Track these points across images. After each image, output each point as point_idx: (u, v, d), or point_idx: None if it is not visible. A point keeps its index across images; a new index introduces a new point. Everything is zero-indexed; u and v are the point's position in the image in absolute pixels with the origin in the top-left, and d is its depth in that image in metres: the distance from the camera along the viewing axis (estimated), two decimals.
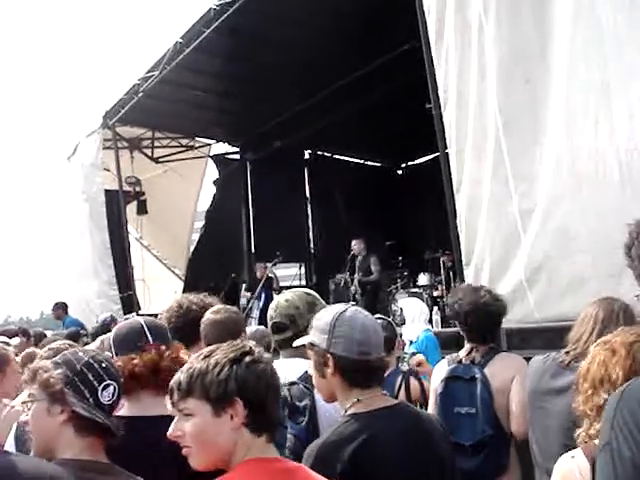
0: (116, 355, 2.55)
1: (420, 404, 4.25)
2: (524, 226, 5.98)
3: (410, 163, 18.79)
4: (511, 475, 3.67)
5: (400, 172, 19.29)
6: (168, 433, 1.93)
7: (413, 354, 5.26)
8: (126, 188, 14.96)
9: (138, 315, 12.79)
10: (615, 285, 4.41)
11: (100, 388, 2.14)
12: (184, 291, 13.41)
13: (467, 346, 3.89)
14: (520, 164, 6.06)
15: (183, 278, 17.03)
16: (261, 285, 12.21)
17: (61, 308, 11.87)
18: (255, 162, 16.68)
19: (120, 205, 14.38)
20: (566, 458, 2.17)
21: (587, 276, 5.35)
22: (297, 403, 2.70)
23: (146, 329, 2.64)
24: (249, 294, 13.27)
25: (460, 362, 3.85)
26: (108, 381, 2.17)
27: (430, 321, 7.27)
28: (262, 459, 1.89)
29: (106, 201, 14.11)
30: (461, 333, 3.96)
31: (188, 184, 16.75)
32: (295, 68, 11.72)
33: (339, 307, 2.39)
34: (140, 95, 12.71)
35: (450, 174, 6.75)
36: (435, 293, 11.98)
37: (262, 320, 10.68)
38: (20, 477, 1.77)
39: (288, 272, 16.38)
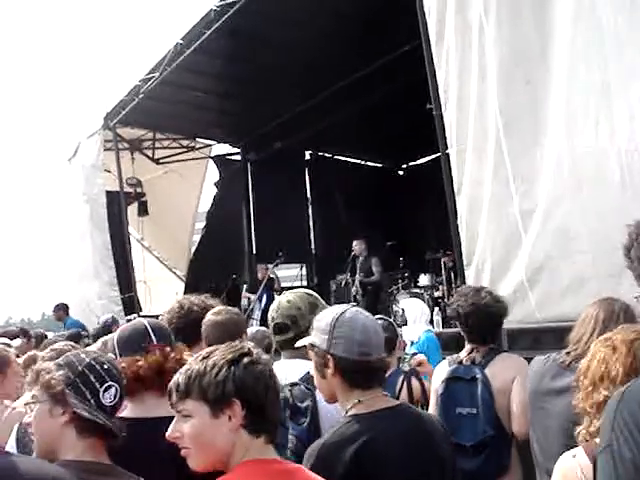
0: (120, 356, 2.55)
1: (421, 404, 4.25)
2: (525, 226, 5.99)
3: (411, 164, 18.81)
4: (512, 475, 3.67)
5: (401, 172, 19.30)
6: (167, 434, 1.94)
7: (414, 354, 5.26)
8: (127, 189, 14.98)
9: (140, 316, 12.81)
10: (615, 285, 4.42)
11: (102, 389, 2.14)
12: (185, 292, 13.42)
13: (468, 347, 3.89)
14: (521, 165, 6.07)
15: (184, 279, 17.04)
16: (263, 286, 12.20)
17: (62, 309, 11.86)
18: (256, 163, 16.70)
19: (121, 206, 14.38)
20: (567, 457, 2.17)
21: (587, 276, 5.36)
22: (298, 404, 2.70)
23: (150, 330, 2.64)
24: (250, 295, 13.26)
25: (461, 363, 3.85)
26: (110, 382, 2.17)
27: (431, 322, 7.27)
28: (261, 460, 1.89)
29: (107, 202, 14.11)
30: (462, 334, 3.96)
31: (189, 185, 16.76)
32: (296, 69, 11.73)
33: (339, 308, 2.39)
34: (141, 96, 12.73)
35: (451, 175, 6.76)
36: (436, 294, 11.97)
37: (264, 321, 10.69)
38: (22, 478, 1.77)
39: (289, 273, 16.40)
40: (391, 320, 5.13)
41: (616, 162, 5.27)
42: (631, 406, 1.46)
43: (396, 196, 17.13)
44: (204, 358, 1.96)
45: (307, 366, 2.69)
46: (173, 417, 1.95)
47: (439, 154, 7.28)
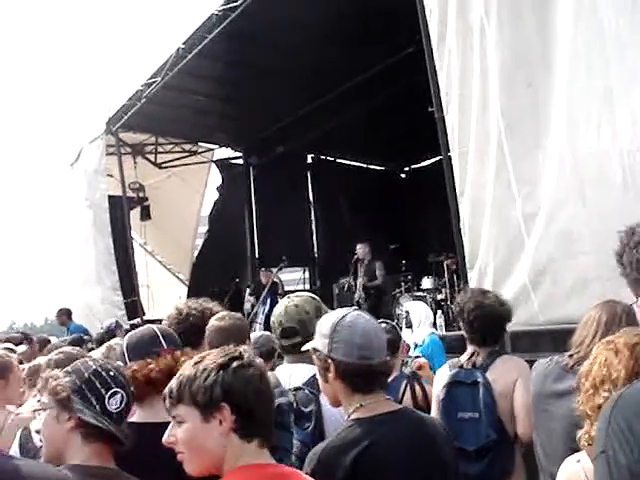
0: (130, 361, 2.57)
1: (422, 409, 4.25)
2: (527, 229, 5.98)
3: (413, 166, 18.81)
4: (516, 479, 3.67)
5: (403, 175, 19.31)
6: (163, 439, 1.95)
7: (417, 357, 5.26)
8: (129, 194, 14.98)
9: (143, 320, 12.85)
10: (618, 287, 4.40)
11: (107, 396, 2.16)
12: (188, 296, 13.42)
13: (469, 350, 3.89)
14: (523, 167, 6.07)
15: (187, 283, 17.05)
16: (266, 291, 12.19)
17: (65, 314, 11.88)
18: (258, 167, 16.72)
19: (124, 211, 14.40)
20: (571, 461, 2.16)
21: (590, 278, 5.35)
22: (303, 408, 2.70)
23: (160, 335, 2.67)
24: (253, 299, 13.25)
25: (462, 367, 3.85)
26: (115, 389, 2.19)
27: (434, 324, 7.27)
28: (254, 465, 1.88)
29: (109, 207, 14.15)
30: (465, 335, 3.96)
31: (191, 189, 16.79)
32: (297, 73, 11.74)
33: (341, 312, 2.39)
34: (143, 101, 12.75)
35: (453, 177, 6.75)
36: (439, 297, 11.96)
37: (267, 325, 10.69)
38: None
39: (292, 276, 16.40)
40: (394, 323, 5.12)
41: (618, 163, 5.26)
42: (625, 412, 1.46)
43: (398, 199, 17.14)
44: (196, 363, 1.98)
45: (311, 370, 2.70)
46: None
47: (441, 157, 7.28)
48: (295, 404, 2.70)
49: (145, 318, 13.60)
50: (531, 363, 3.50)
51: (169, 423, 1.97)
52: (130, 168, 15.29)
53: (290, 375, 2.97)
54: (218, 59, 11.50)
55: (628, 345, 2.00)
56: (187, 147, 16.65)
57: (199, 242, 17.51)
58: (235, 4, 9.67)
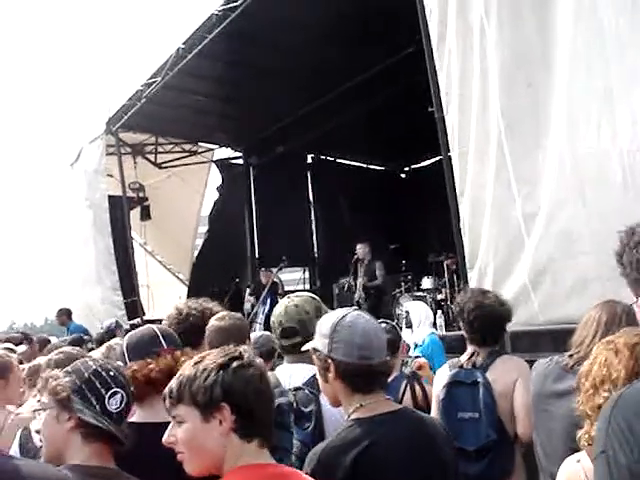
0: (130, 361, 2.57)
1: (422, 409, 4.24)
2: (527, 229, 5.98)
3: (413, 166, 18.81)
4: (516, 479, 3.67)
5: (403, 175, 19.31)
6: (163, 439, 1.96)
7: (417, 357, 5.26)
8: (129, 194, 14.98)
9: (143, 320, 12.86)
10: (618, 287, 4.40)
11: (107, 396, 2.17)
12: (188, 296, 13.42)
13: (469, 350, 3.89)
14: (523, 167, 6.07)
15: (187, 283, 17.06)
16: (266, 290, 12.19)
17: (65, 314, 11.88)
18: (258, 167, 16.73)
19: (124, 211, 14.40)
20: (571, 461, 2.16)
21: (591, 278, 5.35)
22: (303, 408, 2.70)
23: (160, 335, 2.68)
24: (253, 299, 13.25)
25: (461, 367, 3.85)
26: (115, 389, 2.20)
27: (434, 324, 7.27)
28: (254, 465, 1.88)
29: (109, 207, 14.16)
30: (464, 335, 3.96)
31: (191, 189, 16.80)
32: (297, 73, 11.75)
33: (340, 312, 2.39)
34: (143, 101, 12.76)
35: (453, 177, 6.76)
36: (439, 297, 11.96)
37: (267, 325, 10.68)
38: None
39: (292, 276, 16.40)
40: (393, 323, 5.12)
41: (618, 163, 5.27)
42: (625, 412, 1.46)
43: (399, 199, 17.16)
44: (196, 363, 1.98)
45: (311, 370, 2.70)
46: None
47: (441, 157, 7.28)
48: (295, 404, 2.70)
49: (145, 318, 13.60)
50: (531, 363, 3.50)
51: (169, 423, 1.97)
52: (130, 168, 15.30)
53: (290, 375, 2.97)
54: (218, 59, 11.50)
55: (628, 345, 2.00)
56: (187, 147, 16.66)
57: (199, 242, 17.52)
58: (235, 4, 9.67)
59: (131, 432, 2.22)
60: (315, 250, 17.42)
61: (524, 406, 3.51)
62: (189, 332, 3.21)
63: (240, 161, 17.15)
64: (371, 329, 2.35)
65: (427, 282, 12.56)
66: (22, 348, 6.45)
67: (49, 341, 7.46)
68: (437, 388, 3.91)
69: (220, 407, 1.89)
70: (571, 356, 3.03)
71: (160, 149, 16.43)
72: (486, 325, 3.81)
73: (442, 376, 3.93)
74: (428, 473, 2.25)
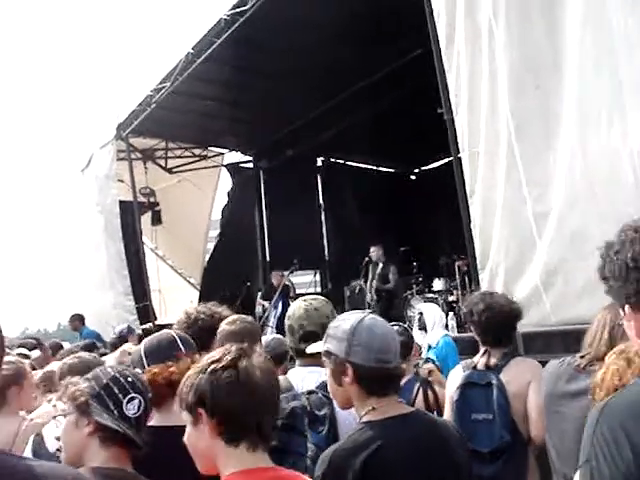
0: (148, 366, 2.59)
1: (434, 411, 4.24)
2: (539, 230, 5.97)
3: (423, 168, 18.78)
4: None
5: (413, 177, 19.28)
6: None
7: (427, 360, 5.26)
8: (140, 199, 15.04)
9: (155, 325, 12.89)
10: None
11: (125, 401, 2.21)
12: (200, 300, 13.44)
13: (482, 351, 3.88)
14: (533, 168, 6.06)
15: (198, 287, 17.07)
16: (278, 293, 12.20)
17: (78, 319, 11.92)
18: (268, 170, 16.74)
19: (135, 216, 14.44)
20: None
21: None
22: (316, 412, 2.70)
23: (178, 340, 2.70)
24: (264, 302, 13.27)
25: (475, 368, 3.84)
26: (133, 394, 2.23)
27: (446, 326, 7.25)
28: (247, 471, 1.87)
29: (120, 212, 14.18)
30: (476, 337, 3.95)
31: (202, 194, 16.82)
32: (307, 75, 11.75)
33: (357, 315, 2.38)
34: (153, 106, 12.80)
35: (463, 179, 6.75)
36: (450, 298, 11.91)
37: (279, 328, 10.69)
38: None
39: (303, 279, 16.39)
40: (405, 325, 5.12)
41: (629, 163, 5.25)
42: (610, 421, 1.44)
43: (409, 201, 17.12)
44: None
45: (323, 374, 2.69)
46: None
47: (451, 158, 7.27)
48: (309, 407, 2.70)
49: (157, 323, 13.64)
50: (544, 364, 3.48)
51: (185, 427, 1.99)
52: (141, 173, 15.34)
53: (303, 378, 2.97)
54: (227, 63, 11.53)
55: None
56: (197, 152, 16.69)
57: (210, 246, 17.53)
58: (243, 8, 9.70)
59: (148, 435, 2.25)
60: (326, 253, 17.41)
61: (537, 408, 3.50)
62: (198, 336, 3.22)
63: (250, 165, 17.18)
64: (388, 332, 2.35)
65: (438, 284, 12.54)
66: (35, 353, 6.48)
67: (62, 346, 7.50)
68: (451, 389, 3.90)
69: (198, 412, 1.91)
70: (583, 357, 3.02)
71: (170, 154, 16.47)
72: (498, 326, 3.80)
73: (456, 377, 3.92)
74: (441, 475, 2.24)
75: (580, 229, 5.61)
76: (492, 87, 6.35)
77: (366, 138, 14.31)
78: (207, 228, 17.63)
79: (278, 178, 16.24)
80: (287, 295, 12.54)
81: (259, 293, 14.56)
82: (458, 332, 8.75)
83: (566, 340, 5.11)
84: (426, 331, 6.37)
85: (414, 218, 16.27)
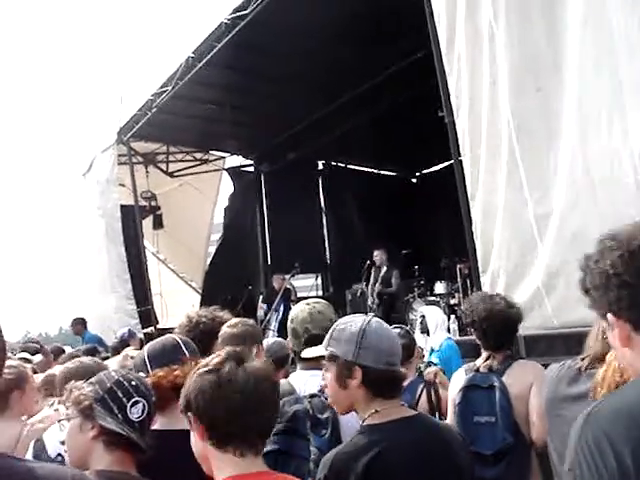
0: (151, 370, 2.59)
1: (438, 413, 4.24)
2: (540, 232, 5.96)
3: (424, 171, 18.79)
4: None
5: (414, 180, 19.28)
6: None
7: (429, 364, 5.24)
8: (142, 203, 15.06)
9: (156, 329, 12.90)
10: None
11: (129, 405, 2.21)
12: (201, 304, 13.45)
13: (484, 354, 3.88)
14: (534, 170, 6.05)
15: (200, 291, 17.07)
16: (279, 297, 12.20)
17: (80, 323, 11.92)
18: (269, 174, 16.76)
19: (136, 220, 14.46)
20: None
21: None
22: (319, 415, 2.70)
23: (182, 344, 2.70)
24: (266, 306, 13.26)
25: (477, 371, 3.83)
26: (137, 398, 2.24)
27: (447, 329, 7.24)
28: (237, 477, 1.86)
29: (122, 216, 14.20)
30: (477, 341, 3.95)
31: (203, 197, 16.83)
32: (308, 79, 11.76)
33: (362, 317, 2.37)
34: (154, 110, 12.82)
35: (464, 181, 6.75)
36: (452, 301, 11.89)
37: (280, 332, 10.69)
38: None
39: (305, 283, 16.39)
40: (407, 328, 5.11)
41: (630, 164, 5.25)
42: (595, 429, 1.42)
43: (410, 204, 17.12)
44: None
45: None
46: None
47: (452, 161, 7.27)
48: (311, 411, 2.70)
49: (158, 326, 13.65)
50: (546, 367, 3.48)
51: (189, 431, 1.99)
52: (142, 177, 15.34)
53: (305, 382, 2.97)
54: (228, 67, 11.53)
55: None
56: (198, 155, 16.70)
57: (212, 250, 17.53)
58: (244, 12, 9.70)
59: (152, 439, 2.25)
60: (327, 256, 17.42)
61: (538, 410, 3.49)
62: (199, 339, 3.22)
63: (251, 168, 17.21)
64: (394, 336, 2.37)
65: (440, 287, 12.53)
66: (38, 358, 6.47)
67: (63, 351, 7.49)
68: (453, 392, 3.90)
69: (188, 416, 1.93)
70: (584, 359, 3.02)
71: (171, 158, 16.49)
72: (499, 331, 3.80)
73: (458, 380, 3.91)
74: (443, 479, 2.24)
75: (581, 230, 5.60)
76: (493, 89, 6.35)
77: (367, 141, 14.31)
78: (208, 232, 17.63)
79: (279, 182, 16.25)
80: (288, 299, 12.54)
81: (260, 296, 14.56)
82: (460, 335, 8.73)
83: (568, 343, 5.09)
84: (428, 334, 6.34)
85: (415, 221, 16.26)
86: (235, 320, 3.47)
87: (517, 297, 5.17)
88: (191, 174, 16.58)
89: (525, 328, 4.27)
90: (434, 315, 6.59)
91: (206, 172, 16.75)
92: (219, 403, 1.87)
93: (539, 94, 6.00)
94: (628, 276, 1.54)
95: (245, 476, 1.87)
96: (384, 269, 11.94)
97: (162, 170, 16.47)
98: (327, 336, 2.40)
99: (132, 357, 3.80)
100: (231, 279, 15.24)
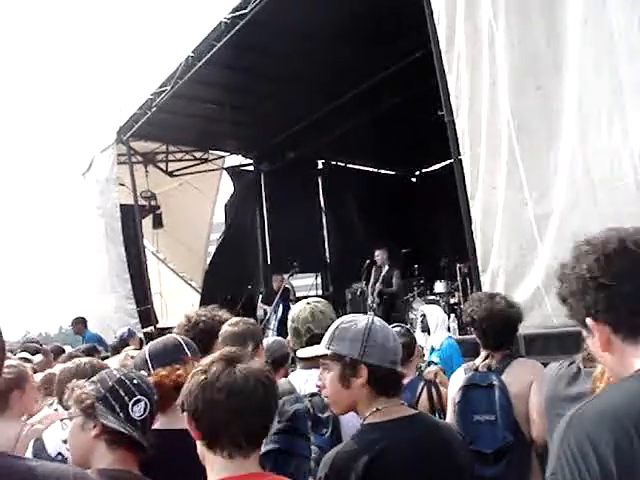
0: (153, 369, 2.59)
1: (438, 412, 4.24)
2: (540, 231, 5.96)
3: (424, 170, 18.80)
4: None
5: (414, 180, 19.29)
6: None
7: (430, 363, 5.25)
8: (141, 202, 15.07)
9: (156, 329, 12.91)
10: None
11: (131, 403, 2.21)
12: (201, 304, 13.46)
13: (483, 353, 3.88)
14: (534, 170, 6.05)
15: (200, 291, 17.07)
16: (278, 296, 12.21)
17: (81, 323, 11.93)
18: (269, 173, 16.76)
19: (136, 219, 14.46)
20: None
21: None
22: (319, 414, 2.70)
23: (184, 344, 2.70)
24: (265, 306, 13.27)
25: (477, 370, 3.83)
26: (139, 397, 2.24)
27: (447, 329, 7.24)
28: (226, 479, 1.86)
29: (122, 216, 14.22)
30: (477, 340, 3.95)
31: (203, 197, 16.83)
32: (308, 78, 11.77)
33: (364, 317, 2.37)
34: (153, 110, 12.82)
35: (464, 181, 6.75)
36: (452, 300, 11.91)
37: (280, 331, 10.70)
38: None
39: (304, 282, 16.39)
40: (407, 327, 5.11)
41: (629, 164, 5.25)
42: (578, 434, 1.40)
43: (410, 203, 17.14)
44: None
45: None
46: None
47: (452, 160, 7.27)
48: (312, 410, 2.70)
49: (158, 326, 13.66)
50: (545, 366, 3.48)
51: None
52: (142, 177, 15.35)
53: (305, 381, 2.97)
54: (227, 66, 11.53)
55: None
56: (198, 155, 16.70)
57: (211, 249, 17.54)
58: (244, 12, 9.70)
59: (153, 438, 2.25)
60: (327, 255, 17.42)
61: (538, 408, 3.50)
62: (199, 339, 3.22)
63: (251, 168, 17.20)
64: (395, 335, 2.37)
65: (440, 286, 12.55)
66: (38, 358, 6.48)
67: (63, 350, 7.49)
68: (453, 391, 3.90)
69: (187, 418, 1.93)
70: (583, 358, 3.02)
71: (171, 157, 16.49)
72: (499, 331, 3.80)
73: (457, 379, 3.91)
74: (443, 478, 2.23)
75: (581, 230, 5.52)
76: (492, 89, 6.35)
77: (367, 141, 14.31)
78: (208, 231, 17.64)
79: (279, 181, 16.26)
80: (287, 298, 12.57)
81: (260, 296, 14.57)
82: (460, 334, 8.74)
83: (567, 342, 5.09)
84: (429, 333, 6.34)
85: (415, 220, 16.27)
86: (236, 319, 3.47)
87: (517, 296, 5.17)
88: (191, 173, 16.57)
89: (525, 327, 4.27)
90: (435, 314, 6.59)
91: (206, 171, 16.74)
92: (205, 404, 1.88)
93: (539, 94, 6.00)
94: (605, 279, 1.56)
95: (232, 479, 1.86)
96: (385, 268, 11.94)
97: (162, 169, 16.47)
98: (327, 335, 2.38)
99: (132, 357, 3.80)
100: (231, 278, 15.25)
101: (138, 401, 2.22)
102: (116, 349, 7.14)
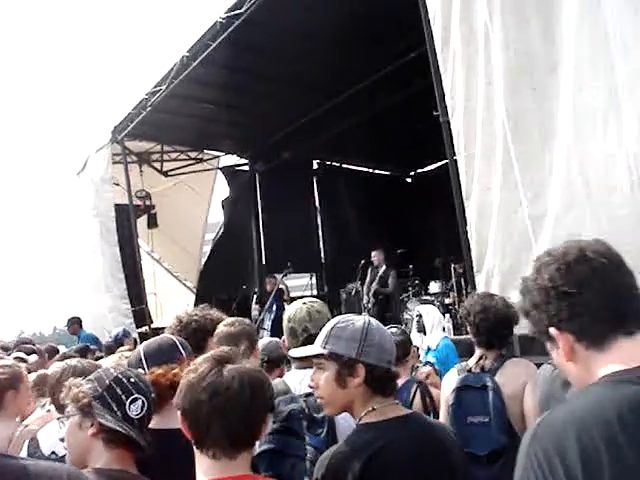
0: (148, 368, 2.58)
1: (432, 413, 4.23)
2: (535, 232, 5.97)
3: (419, 171, 18.82)
4: None
5: (409, 180, 19.31)
6: None
7: (426, 364, 5.24)
8: (136, 202, 15.05)
9: (150, 328, 12.89)
10: None
11: (128, 402, 2.20)
12: (196, 303, 13.44)
13: (477, 353, 3.87)
14: (529, 170, 6.06)
15: (195, 291, 17.07)
16: (272, 297, 12.20)
17: (76, 323, 11.91)
18: (264, 173, 16.77)
19: (130, 219, 14.44)
20: None
21: None
22: (315, 414, 2.69)
23: (179, 344, 2.70)
24: (259, 307, 13.28)
25: (470, 371, 3.83)
26: (136, 395, 2.23)
27: (442, 329, 7.24)
28: None
29: (116, 215, 14.21)
30: (472, 339, 3.95)
31: (198, 197, 16.84)
32: (303, 79, 11.77)
33: (360, 316, 2.37)
34: (148, 109, 12.79)
35: (459, 181, 6.75)
36: (447, 300, 11.92)
37: (274, 331, 10.70)
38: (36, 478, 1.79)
39: (299, 282, 16.40)
40: (403, 327, 5.11)
41: (624, 165, 5.26)
42: (545, 444, 1.39)
43: (405, 204, 17.17)
44: None
45: None
46: None
47: (447, 161, 7.27)
48: (307, 410, 2.69)
49: (153, 326, 13.65)
50: (540, 367, 3.48)
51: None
52: (136, 176, 15.35)
53: (300, 381, 2.96)
54: (222, 66, 11.52)
55: None
56: (193, 155, 16.70)
57: (206, 249, 17.53)
58: (239, 11, 9.69)
59: (152, 438, 2.24)
60: (322, 255, 17.43)
61: (533, 409, 3.49)
62: (191, 339, 3.21)
63: (246, 168, 17.20)
64: (391, 335, 2.38)
65: (434, 286, 12.56)
66: (33, 358, 6.46)
67: (58, 350, 7.48)
68: (446, 392, 3.88)
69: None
70: None
71: (166, 157, 16.49)
72: (493, 328, 3.79)
73: (451, 380, 3.90)
74: (438, 477, 2.23)
75: (576, 230, 5.60)
76: (488, 89, 6.36)
77: (362, 141, 14.35)
78: (203, 231, 17.65)
79: (274, 181, 16.26)
80: (281, 298, 12.56)
81: (255, 296, 14.56)
82: (454, 334, 8.76)
83: None
84: (424, 333, 6.34)
85: (410, 221, 16.30)
86: (232, 319, 3.46)
87: (512, 297, 5.15)
88: (186, 173, 16.57)
89: (520, 327, 4.26)
90: (431, 314, 6.59)
91: (201, 171, 16.74)
92: (191, 403, 1.88)
93: (534, 94, 6.01)
94: (566, 287, 1.56)
95: None
96: (382, 269, 11.96)
97: (156, 169, 16.47)
98: (322, 335, 2.36)
99: (127, 357, 3.80)
100: (226, 278, 15.25)
101: (135, 400, 2.21)
102: (110, 349, 7.13)
